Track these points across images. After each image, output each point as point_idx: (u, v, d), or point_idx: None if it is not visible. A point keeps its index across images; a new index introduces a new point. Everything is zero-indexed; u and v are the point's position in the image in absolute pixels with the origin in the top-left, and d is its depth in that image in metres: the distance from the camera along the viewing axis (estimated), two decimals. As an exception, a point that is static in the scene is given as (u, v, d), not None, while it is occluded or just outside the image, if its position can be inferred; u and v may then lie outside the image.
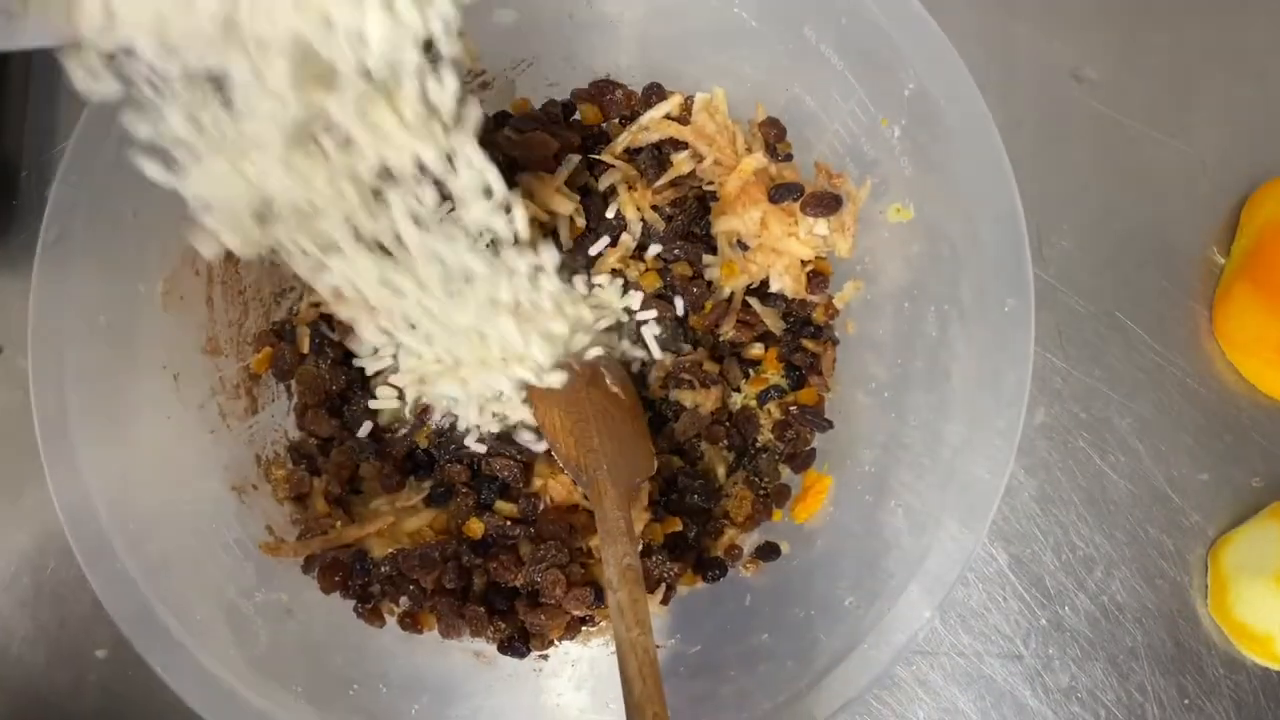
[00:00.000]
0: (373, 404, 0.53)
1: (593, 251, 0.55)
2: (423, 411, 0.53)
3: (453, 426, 0.53)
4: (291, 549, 0.50)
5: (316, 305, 0.55)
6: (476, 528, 0.52)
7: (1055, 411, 0.61)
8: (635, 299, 0.55)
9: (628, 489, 0.49)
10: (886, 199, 0.50)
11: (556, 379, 0.51)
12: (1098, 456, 0.60)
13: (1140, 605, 0.59)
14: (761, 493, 0.55)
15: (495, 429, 0.52)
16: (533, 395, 0.51)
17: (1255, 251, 0.59)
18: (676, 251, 0.55)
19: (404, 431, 0.53)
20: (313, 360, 0.54)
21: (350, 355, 0.55)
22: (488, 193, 0.43)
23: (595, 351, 0.54)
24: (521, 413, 0.52)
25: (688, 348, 0.55)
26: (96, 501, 0.43)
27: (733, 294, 0.55)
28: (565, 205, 0.56)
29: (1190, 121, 0.65)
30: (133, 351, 0.46)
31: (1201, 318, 0.62)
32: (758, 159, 0.53)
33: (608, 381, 0.53)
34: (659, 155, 0.56)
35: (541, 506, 0.52)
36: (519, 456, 0.52)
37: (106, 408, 0.44)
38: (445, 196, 0.43)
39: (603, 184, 0.57)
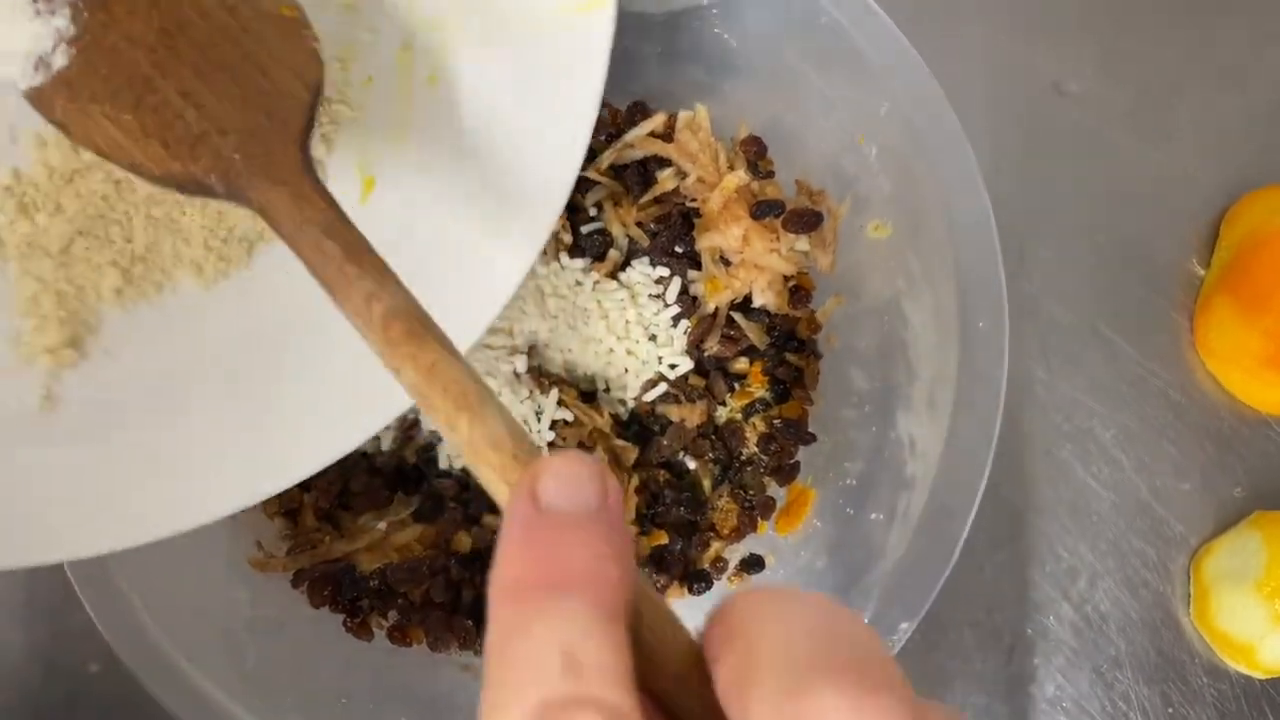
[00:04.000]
0: None
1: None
2: (410, 427, 0.53)
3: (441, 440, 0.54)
4: (281, 564, 0.50)
5: (306, 322, 0.56)
6: (464, 541, 0.52)
7: (1038, 423, 0.61)
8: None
9: (293, 149, 0.29)
10: (866, 215, 0.51)
11: (38, 60, 0.29)
12: (1080, 467, 0.61)
13: (1124, 615, 0.59)
14: (747, 505, 0.56)
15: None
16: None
17: (1234, 263, 0.60)
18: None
19: (390, 448, 0.53)
20: (302, 377, 0.55)
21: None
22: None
23: None
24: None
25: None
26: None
27: (717, 309, 0.56)
28: (551, 222, 0.56)
29: (1171, 133, 0.65)
30: (123, 371, 0.46)
31: (1183, 329, 0.63)
32: (739, 176, 0.54)
33: None
34: (644, 172, 0.57)
35: (528, 520, 0.53)
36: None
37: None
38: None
39: (589, 200, 0.57)
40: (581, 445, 0.54)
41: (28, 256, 0.34)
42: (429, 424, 0.53)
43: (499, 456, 0.23)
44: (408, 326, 0.25)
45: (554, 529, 0.20)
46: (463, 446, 0.24)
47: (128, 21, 0.29)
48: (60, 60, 0.29)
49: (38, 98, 0.30)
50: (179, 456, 0.36)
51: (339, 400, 0.39)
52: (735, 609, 0.20)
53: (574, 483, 0.21)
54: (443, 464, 0.53)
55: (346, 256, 0.27)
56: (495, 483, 0.23)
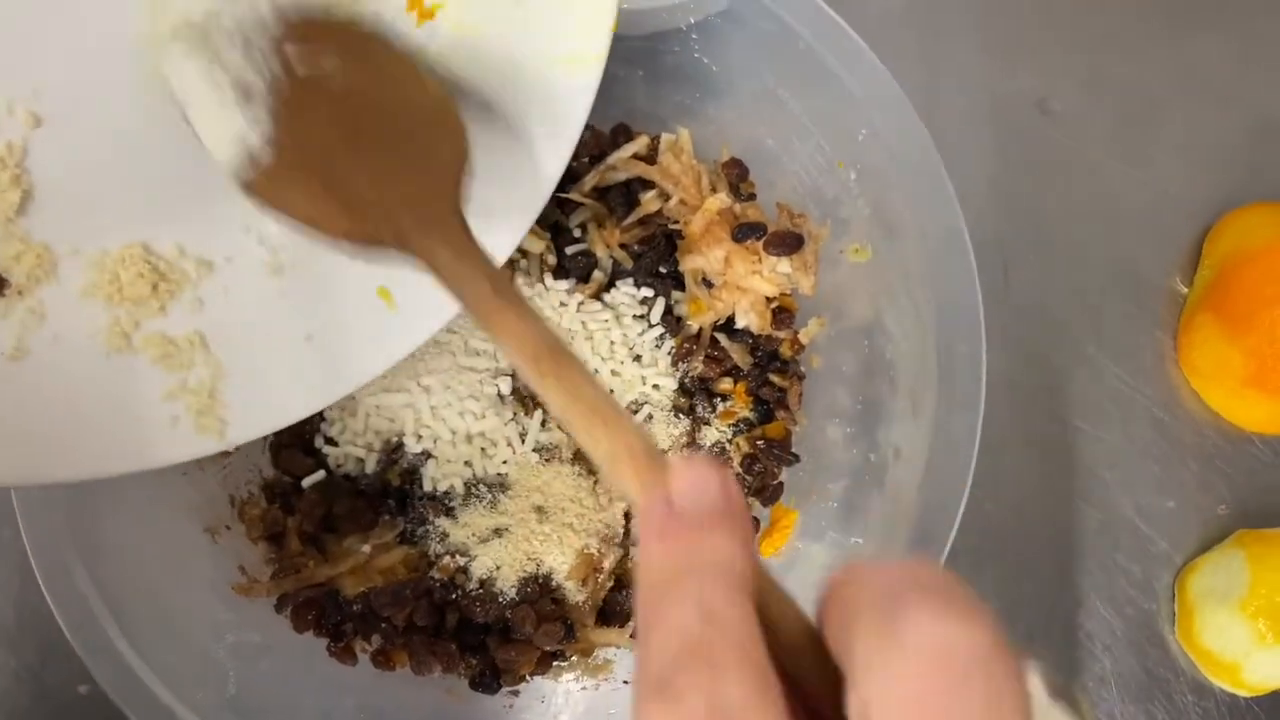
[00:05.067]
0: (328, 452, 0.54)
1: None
2: (394, 450, 0.54)
3: (426, 459, 0.54)
4: (264, 589, 0.50)
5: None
6: (448, 565, 0.52)
7: (1022, 440, 0.61)
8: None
9: (446, 209, 0.34)
10: (846, 238, 0.51)
11: (242, 143, 0.34)
12: (1065, 485, 0.61)
13: (1109, 633, 0.59)
14: (731, 526, 0.56)
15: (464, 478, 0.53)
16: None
17: (1217, 282, 0.60)
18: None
19: (374, 470, 0.54)
20: (287, 400, 0.55)
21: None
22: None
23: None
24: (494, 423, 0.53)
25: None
26: (67, 545, 0.44)
27: (701, 330, 0.56)
28: (535, 244, 0.57)
29: (1154, 152, 0.66)
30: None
31: (1167, 347, 0.63)
32: (721, 199, 0.54)
33: (326, 62, 0.35)
34: (627, 194, 0.57)
35: (512, 543, 0.53)
36: (490, 495, 0.53)
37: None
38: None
39: (573, 222, 0.58)
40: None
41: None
42: (414, 447, 0.53)
43: (633, 464, 0.27)
44: (552, 355, 0.29)
45: (685, 526, 0.24)
46: (601, 457, 0.28)
47: (315, 113, 0.35)
48: (263, 152, 0.34)
49: (246, 187, 0.35)
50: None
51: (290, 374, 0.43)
52: (833, 580, 0.23)
53: (699, 485, 0.24)
54: (427, 486, 0.53)
55: (497, 298, 0.31)
56: (631, 487, 0.27)
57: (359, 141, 0.35)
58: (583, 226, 0.58)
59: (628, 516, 0.55)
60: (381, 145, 0.35)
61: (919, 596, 0.21)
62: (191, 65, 0.35)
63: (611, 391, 0.27)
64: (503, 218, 0.44)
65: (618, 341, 0.56)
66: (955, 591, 0.21)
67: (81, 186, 0.38)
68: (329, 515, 0.54)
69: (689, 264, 0.56)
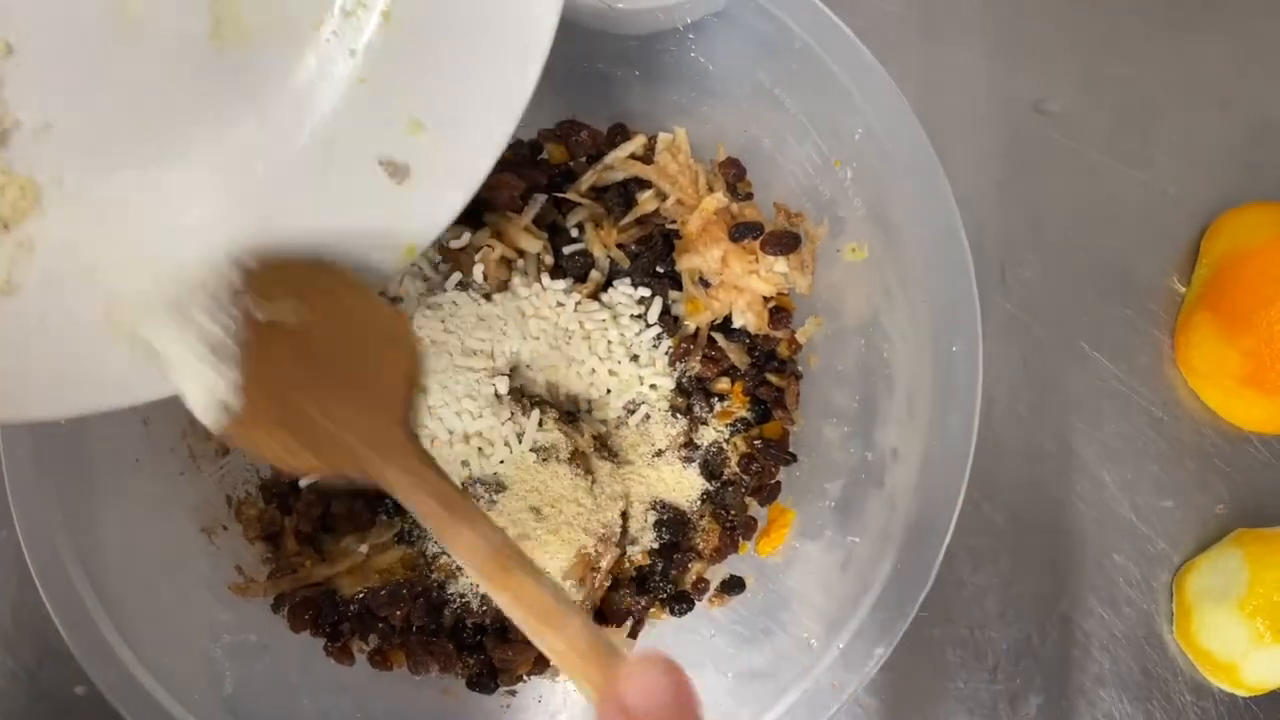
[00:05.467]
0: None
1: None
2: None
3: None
4: (261, 588, 0.51)
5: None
6: (446, 564, 0.52)
7: (1020, 440, 0.61)
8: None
9: (399, 433, 0.36)
10: (843, 238, 0.51)
11: (226, 390, 0.36)
12: (1063, 485, 0.61)
13: (1107, 632, 0.59)
14: (729, 525, 0.56)
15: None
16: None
17: (1214, 281, 0.60)
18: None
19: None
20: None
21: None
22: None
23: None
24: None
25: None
26: (64, 545, 0.44)
27: (698, 329, 0.56)
28: (533, 244, 0.57)
29: (1151, 152, 0.66)
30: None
31: (1164, 346, 0.63)
32: (718, 198, 0.54)
33: (284, 305, 0.38)
34: (624, 194, 0.57)
35: (509, 543, 0.53)
36: (487, 495, 0.53)
37: (74, 452, 0.45)
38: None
39: (570, 222, 0.58)
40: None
41: None
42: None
43: (582, 662, 0.29)
44: (498, 561, 0.32)
45: None
46: (548, 653, 0.30)
47: (275, 353, 0.37)
48: (235, 403, 0.36)
49: (224, 435, 0.37)
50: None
51: None
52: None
53: (652, 689, 0.26)
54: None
55: (448, 511, 0.34)
56: (580, 683, 0.29)
57: (315, 375, 0.37)
58: (580, 226, 0.58)
59: (625, 516, 0.55)
60: (336, 376, 0.38)
61: None
62: (167, 332, 0.37)
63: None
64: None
65: (615, 341, 0.56)
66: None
67: (60, 118, 0.38)
68: (326, 515, 0.54)
69: (686, 263, 0.56)
